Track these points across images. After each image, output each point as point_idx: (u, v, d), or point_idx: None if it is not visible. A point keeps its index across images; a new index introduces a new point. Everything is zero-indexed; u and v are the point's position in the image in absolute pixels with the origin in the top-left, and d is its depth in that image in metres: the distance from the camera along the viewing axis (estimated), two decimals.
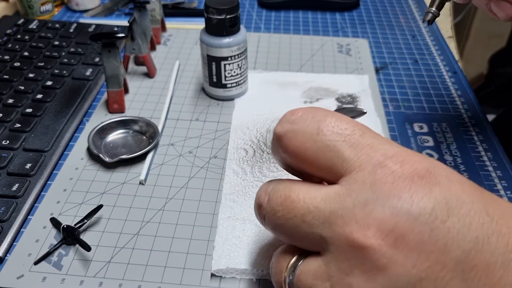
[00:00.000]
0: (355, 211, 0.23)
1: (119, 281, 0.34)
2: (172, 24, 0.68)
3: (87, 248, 0.35)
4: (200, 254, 0.36)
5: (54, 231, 0.38)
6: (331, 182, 0.26)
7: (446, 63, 0.61)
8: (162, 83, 0.56)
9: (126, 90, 0.53)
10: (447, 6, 1.10)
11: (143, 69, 0.57)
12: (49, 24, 0.65)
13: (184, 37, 0.66)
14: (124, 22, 0.67)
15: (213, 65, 0.50)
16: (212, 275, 0.35)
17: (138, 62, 0.58)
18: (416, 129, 0.49)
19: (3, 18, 0.66)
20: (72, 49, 0.60)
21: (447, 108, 0.52)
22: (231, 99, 0.53)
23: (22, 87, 0.52)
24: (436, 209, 0.22)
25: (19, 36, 0.62)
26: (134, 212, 0.39)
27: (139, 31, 0.54)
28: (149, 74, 0.57)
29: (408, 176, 0.23)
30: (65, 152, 0.46)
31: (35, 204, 0.40)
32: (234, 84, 0.51)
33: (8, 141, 0.45)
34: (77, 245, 0.36)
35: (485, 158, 0.46)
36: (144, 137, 0.47)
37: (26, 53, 0.58)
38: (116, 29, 0.65)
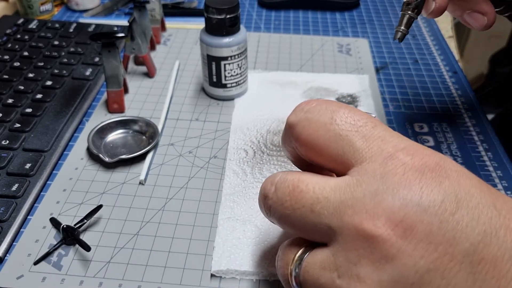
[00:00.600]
0: (365, 201, 0.23)
1: (119, 281, 0.34)
2: (172, 24, 0.68)
3: (87, 248, 0.35)
4: (200, 254, 0.36)
5: (54, 231, 0.38)
6: (340, 175, 0.26)
7: (446, 63, 0.61)
8: (162, 83, 0.56)
9: (126, 90, 0.53)
10: None
11: (143, 69, 0.57)
12: (48, 24, 0.65)
13: (184, 37, 0.66)
14: (124, 22, 0.67)
15: (213, 65, 0.50)
16: (212, 275, 0.35)
17: (138, 62, 0.58)
18: (416, 129, 0.49)
19: (3, 18, 0.66)
20: (71, 49, 0.60)
21: (447, 108, 0.52)
22: (231, 99, 0.53)
23: (22, 87, 0.52)
24: (446, 201, 0.22)
25: (18, 36, 0.62)
26: (134, 212, 0.39)
27: (139, 31, 0.54)
28: (149, 74, 0.57)
29: (418, 169, 0.23)
30: (64, 152, 0.46)
31: (35, 204, 0.40)
32: (234, 84, 0.51)
33: (7, 141, 0.45)
34: (77, 245, 0.36)
35: (485, 158, 0.46)
36: (144, 137, 0.47)
37: (25, 53, 0.58)
38: (116, 29, 0.65)
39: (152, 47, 0.62)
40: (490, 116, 0.75)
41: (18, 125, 0.47)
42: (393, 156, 0.24)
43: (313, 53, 0.62)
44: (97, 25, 0.65)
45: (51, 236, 0.37)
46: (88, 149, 0.45)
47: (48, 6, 0.69)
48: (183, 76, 0.57)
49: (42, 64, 0.56)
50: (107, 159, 0.43)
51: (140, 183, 0.42)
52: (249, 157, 0.44)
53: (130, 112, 0.51)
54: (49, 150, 0.45)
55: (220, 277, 0.34)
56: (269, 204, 0.27)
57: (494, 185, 0.43)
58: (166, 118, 0.50)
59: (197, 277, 0.34)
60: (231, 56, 0.49)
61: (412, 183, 0.23)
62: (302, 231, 0.26)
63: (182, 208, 0.40)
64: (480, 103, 0.53)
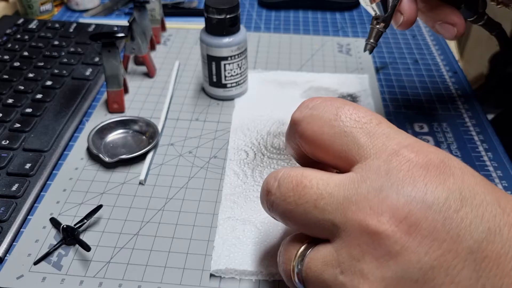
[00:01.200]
0: (369, 198, 0.23)
1: (119, 281, 0.34)
2: (172, 24, 0.68)
3: (87, 248, 0.35)
4: (200, 254, 0.36)
5: (53, 231, 0.38)
6: (344, 171, 0.26)
7: (446, 63, 0.61)
8: (162, 83, 0.56)
9: (126, 90, 0.53)
10: None
11: (143, 69, 0.57)
12: (48, 24, 0.65)
13: (184, 37, 0.66)
14: (124, 22, 0.66)
15: (213, 65, 0.50)
16: (212, 275, 0.34)
17: (138, 62, 0.58)
18: (416, 129, 0.49)
19: (3, 18, 0.66)
20: (71, 49, 0.60)
21: (447, 108, 0.52)
22: (231, 99, 0.53)
23: (22, 87, 0.52)
24: (450, 199, 0.22)
25: (18, 36, 0.62)
26: (134, 212, 0.39)
27: (139, 31, 0.54)
28: (149, 74, 0.57)
29: (423, 166, 0.23)
30: (64, 152, 0.46)
31: (35, 204, 0.40)
32: (234, 84, 0.51)
33: (7, 141, 0.45)
34: (77, 245, 0.36)
35: (485, 158, 0.46)
36: (144, 137, 0.47)
37: (25, 53, 0.58)
38: (116, 29, 0.65)
39: (152, 47, 0.62)
40: (490, 116, 0.75)
41: (18, 125, 0.47)
42: (398, 152, 0.24)
43: (313, 53, 0.62)
44: (97, 25, 0.65)
45: (51, 236, 0.37)
46: (88, 149, 0.45)
47: (48, 6, 0.69)
48: (183, 76, 0.57)
49: (42, 64, 0.56)
50: (107, 159, 0.43)
51: (140, 183, 0.42)
52: (249, 158, 0.44)
53: (130, 112, 0.51)
54: (49, 150, 0.45)
55: (220, 277, 0.34)
56: (271, 200, 0.27)
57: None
58: (166, 118, 0.50)
59: (197, 277, 0.34)
60: (231, 56, 0.49)
61: (417, 180, 0.23)
62: (305, 227, 0.26)
63: (182, 208, 0.40)
64: (480, 103, 0.53)
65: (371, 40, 0.42)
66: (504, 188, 0.42)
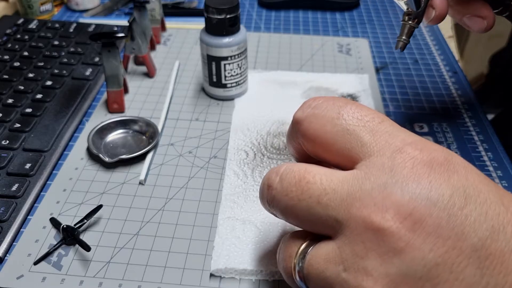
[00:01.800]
0: (373, 194, 0.23)
1: (119, 281, 0.34)
2: (172, 24, 0.68)
3: (87, 248, 0.35)
4: (200, 254, 0.36)
5: (53, 231, 0.38)
6: (347, 170, 0.25)
7: (446, 63, 0.61)
8: (162, 83, 0.56)
9: (126, 90, 0.53)
10: None
11: (143, 69, 0.57)
12: (48, 24, 0.65)
13: (184, 37, 0.66)
14: (124, 22, 0.67)
15: (213, 65, 0.50)
16: (211, 275, 0.34)
17: (138, 62, 0.58)
18: (417, 129, 0.49)
19: (3, 18, 0.66)
20: (71, 49, 0.60)
21: (447, 108, 0.52)
22: (231, 99, 0.53)
23: (22, 87, 0.52)
24: (454, 196, 0.22)
25: (18, 36, 0.62)
26: (134, 212, 0.39)
27: (139, 31, 0.54)
28: (149, 74, 0.57)
29: (427, 163, 0.23)
30: (64, 152, 0.46)
31: (35, 204, 0.40)
32: (234, 84, 0.51)
33: (7, 141, 0.45)
34: (77, 245, 0.36)
35: (485, 158, 0.46)
36: (144, 137, 0.47)
37: (25, 53, 0.58)
38: (116, 29, 0.65)
39: (152, 47, 0.62)
40: (490, 116, 0.75)
41: (18, 125, 0.47)
42: (402, 150, 0.24)
43: (313, 53, 0.62)
44: (97, 25, 0.65)
45: (51, 236, 0.37)
46: (88, 149, 0.45)
47: (48, 6, 0.69)
48: (183, 76, 0.57)
49: (42, 64, 0.56)
50: (107, 159, 0.43)
51: (140, 183, 0.42)
52: (249, 158, 0.44)
53: (130, 112, 0.51)
54: (49, 150, 0.45)
55: (220, 277, 0.34)
56: (272, 194, 0.27)
57: None
58: (166, 118, 0.50)
59: (197, 277, 0.34)
60: (231, 56, 0.49)
61: (421, 177, 0.23)
62: (307, 223, 0.26)
63: (182, 208, 0.40)
64: (480, 103, 0.53)
65: (403, 37, 0.40)
66: (504, 188, 0.42)
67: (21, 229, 0.38)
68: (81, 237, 0.37)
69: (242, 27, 0.50)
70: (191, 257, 0.36)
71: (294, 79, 0.56)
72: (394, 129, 0.25)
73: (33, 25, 0.64)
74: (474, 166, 0.24)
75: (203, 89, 0.54)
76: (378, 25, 0.70)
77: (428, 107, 0.53)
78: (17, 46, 0.60)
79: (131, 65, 0.58)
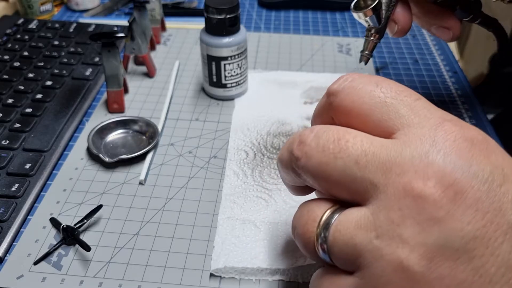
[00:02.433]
0: (415, 162, 0.23)
1: (119, 281, 0.34)
2: (172, 24, 0.68)
3: (87, 248, 0.35)
4: (200, 254, 0.36)
5: (53, 231, 0.38)
6: None
7: (446, 63, 0.61)
8: (162, 83, 0.56)
9: (126, 90, 0.53)
10: None
11: (143, 69, 0.57)
12: (48, 24, 0.65)
13: (184, 37, 0.66)
14: (124, 22, 0.67)
15: (213, 65, 0.50)
16: (211, 275, 0.34)
17: (138, 62, 0.58)
18: None
19: (3, 18, 0.66)
20: (71, 49, 0.60)
21: (447, 108, 0.52)
22: (231, 99, 0.53)
23: (22, 87, 0.52)
24: (494, 173, 0.22)
25: (18, 36, 0.62)
26: (134, 212, 0.39)
27: (139, 31, 0.54)
28: (149, 74, 0.57)
29: (467, 139, 0.23)
30: (64, 152, 0.46)
31: (35, 204, 0.40)
32: (234, 84, 0.51)
33: (7, 141, 0.45)
34: (77, 245, 0.36)
35: None
36: (144, 137, 0.47)
37: (25, 53, 0.58)
38: (116, 29, 0.65)
39: (152, 47, 0.62)
40: (490, 116, 0.75)
41: (18, 125, 0.47)
42: (442, 124, 0.24)
43: (313, 53, 0.62)
44: (97, 25, 0.65)
45: (51, 236, 0.37)
46: (88, 149, 0.45)
47: (48, 6, 0.69)
48: (183, 76, 0.57)
49: (42, 64, 0.56)
50: (107, 159, 0.43)
51: (140, 183, 0.42)
52: (249, 158, 0.44)
53: (130, 112, 0.51)
54: (49, 150, 0.45)
55: (220, 277, 0.34)
56: (304, 150, 0.25)
57: None
58: (166, 118, 0.50)
59: (197, 277, 0.34)
60: (231, 56, 0.49)
61: (463, 150, 0.22)
62: (338, 186, 0.25)
63: (182, 208, 0.40)
64: (480, 103, 0.53)
65: (366, 52, 0.43)
66: None
67: (21, 229, 0.38)
68: (81, 237, 0.37)
69: (242, 27, 0.50)
70: (191, 257, 0.36)
71: (294, 79, 0.56)
72: (431, 107, 0.25)
73: (33, 25, 0.64)
74: None
75: (203, 89, 0.54)
76: None
77: None
78: (17, 46, 0.60)
79: (131, 65, 0.58)
